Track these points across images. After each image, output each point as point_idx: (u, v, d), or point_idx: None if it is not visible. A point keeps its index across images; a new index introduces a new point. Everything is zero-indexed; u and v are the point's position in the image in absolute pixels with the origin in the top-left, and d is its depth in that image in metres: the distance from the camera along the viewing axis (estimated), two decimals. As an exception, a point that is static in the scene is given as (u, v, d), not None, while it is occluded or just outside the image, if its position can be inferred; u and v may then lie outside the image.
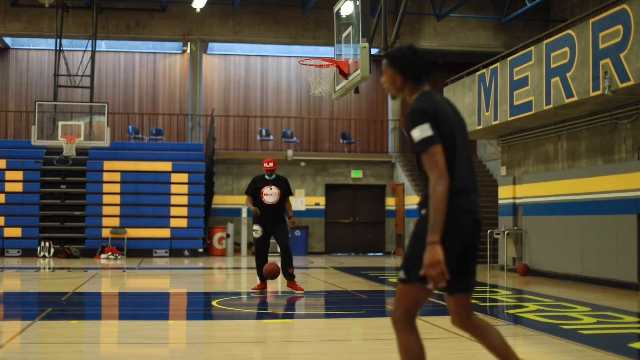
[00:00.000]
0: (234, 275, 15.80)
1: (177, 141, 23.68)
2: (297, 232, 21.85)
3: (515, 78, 14.06)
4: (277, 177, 10.74)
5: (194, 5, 21.18)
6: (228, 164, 22.74)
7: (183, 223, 20.75)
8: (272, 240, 10.71)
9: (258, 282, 10.75)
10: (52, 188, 20.82)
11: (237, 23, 22.67)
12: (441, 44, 23.07)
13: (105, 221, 20.47)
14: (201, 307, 10.29)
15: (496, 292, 11.94)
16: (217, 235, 21.00)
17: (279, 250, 10.74)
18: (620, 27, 10.81)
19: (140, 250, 20.16)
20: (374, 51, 19.01)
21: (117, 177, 21.06)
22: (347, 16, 11.17)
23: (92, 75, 21.79)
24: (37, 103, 20.37)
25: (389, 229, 23.25)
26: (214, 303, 9.66)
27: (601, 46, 11.27)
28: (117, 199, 20.79)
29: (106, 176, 21.05)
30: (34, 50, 24.18)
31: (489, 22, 22.98)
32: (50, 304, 9.36)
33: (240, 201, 20.30)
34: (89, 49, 21.85)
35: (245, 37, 22.85)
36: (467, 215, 3.56)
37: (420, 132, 3.50)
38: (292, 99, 24.78)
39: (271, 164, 10.68)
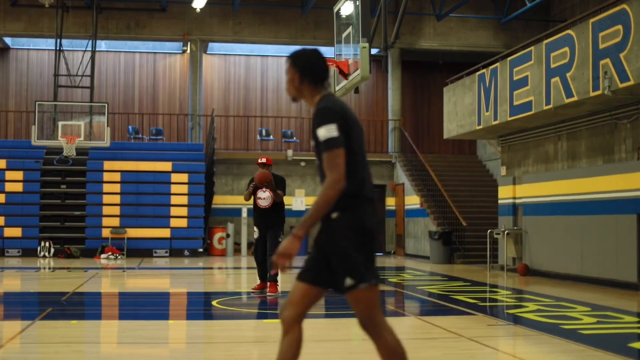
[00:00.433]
0: (234, 275, 15.80)
1: (177, 141, 23.67)
2: (297, 232, 21.84)
3: (515, 78, 14.06)
4: (273, 177, 10.57)
5: (194, 5, 21.18)
6: (228, 164, 22.73)
7: (183, 223, 20.75)
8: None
9: (258, 282, 10.75)
10: (52, 188, 20.81)
11: (237, 23, 22.67)
12: (441, 44, 23.07)
13: (105, 221, 20.47)
14: (201, 307, 10.29)
15: (496, 292, 11.95)
16: (217, 235, 21.00)
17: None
18: (620, 27, 10.81)
19: (140, 250, 20.15)
20: (374, 51, 19.09)
21: (117, 177, 21.06)
22: (347, 16, 11.18)
23: (92, 75, 21.79)
24: (37, 103, 20.37)
25: (389, 229, 23.24)
26: (214, 303, 9.66)
27: (601, 46, 11.27)
28: (117, 199, 20.79)
29: (106, 176, 21.05)
30: (34, 50, 24.18)
31: (489, 22, 22.98)
32: (50, 304, 9.36)
33: (240, 201, 20.29)
34: (89, 49, 21.85)
35: (245, 37, 22.85)
36: (373, 222, 3.59)
37: (327, 131, 3.47)
38: (292, 99, 24.77)
39: (264, 160, 10.49)
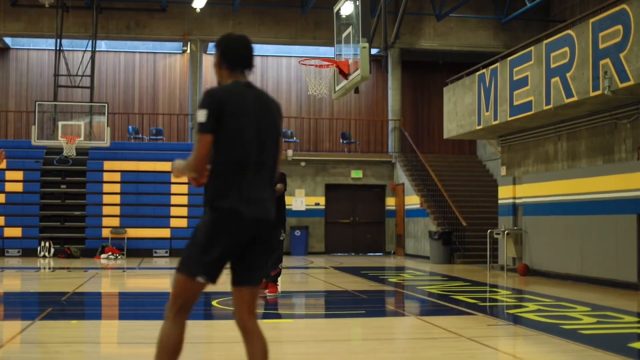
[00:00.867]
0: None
1: (177, 141, 23.67)
2: (297, 232, 21.85)
3: (515, 78, 14.06)
4: None
5: (194, 5, 21.18)
6: (228, 164, 22.72)
7: (183, 223, 20.75)
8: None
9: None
10: (52, 188, 20.82)
11: (237, 23, 22.67)
12: (441, 44, 23.07)
13: (105, 221, 20.47)
14: (201, 307, 10.28)
15: (496, 292, 11.95)
16: (217, 235, 20.98)
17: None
18: (620, 27, 10.81)
19: (140, 250, 20.15)
20: (374, 51, 19.08)
21: (117, 177, 21.06)
22: (347, 16, 11.18)
23: (92, 75, 21.79)
24: (37, 103, 20.37)
25: (389, 229, 23.24)
26: (214, 303, 9.65)
27: (601, 46, 11.27)
28: (117, 199, 20.79)
29: (106, 176, 21.05)
30: (34, 50, 24.18)
31: (489, 22, 22.99)
32: (50, 304, 9.37)
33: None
34: (89, 49, 21.86)
35: (245, 37, 22.83)
36: (239, 214, 3.52)
37: (199, 115, 3.51)
38: (292, 99, 24.79)
39: None
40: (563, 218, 13.47)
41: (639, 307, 9.73)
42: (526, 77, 13.61)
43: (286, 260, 18.86)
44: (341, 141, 24.19)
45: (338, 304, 10.32)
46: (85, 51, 21.99)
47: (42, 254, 19.44)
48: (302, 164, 22.79)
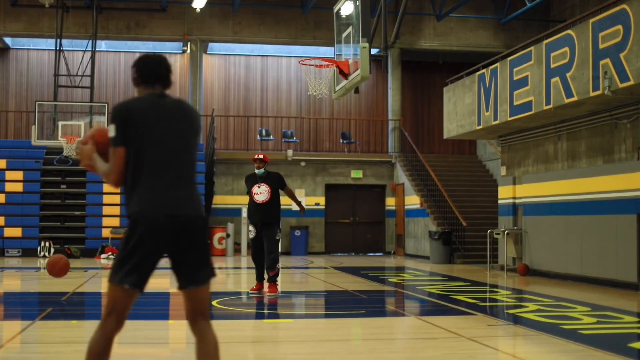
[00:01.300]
0: (234, 275, 15.80)
1: (177, 141, 23.64)
2: (297, 232, 21.85)
3: (515, 78, 14.06)
4: (267, 174, 10.43)
5: (194, 5, 21.18)
6: (228, 164, 22.74)
7: (183, 223, 20.72)
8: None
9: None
10: (52, 188, 20.82)
11: (237, 23, 22.68)
12: (441, 44, 23.08)
13: (105, 221, 20.48)
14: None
15: (496, 292, 11.95)
16: (217, 235, 21.00)
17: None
18: (620, 27, 10.81)
19: (140, 250, 20.12)
20: (374, 51, 19.09)
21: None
22: (347, 16, 11.18)
23: (92, 75, 21.79)
24: (37, 103, 20.37)
25: (389, 229, 23.25)
26: (214, 303, 9.65)
27: (601, 46, 11.27)
28: (117, 199, 20.79)
29: (106, 176, 21.02)
30: (34, 50, 24.18)
31: (489, 22, 22.99)
32: (50, 304, 9.37)
33: (240, 201, 20.30)
34: (89, 49, 21.86)
35: (245, 37, 22.86)
36: (143, 216, 3.63)
37: (109, 131, 3.72)
38: (292, 99, 24.79)
39: (260, 156, 10.44)
40: (563, 218, 13.47)
41: (639, 307, 9.73)
42: (526, 77, 13.62)
43: (286, 260, 18.89)
44: (341, 141, 24.19)
45: (338, 304, 10.32)
46: (85, 51, 21.99)
47: (42, 254, 19.45)
48: (302, 164, 22.80)
